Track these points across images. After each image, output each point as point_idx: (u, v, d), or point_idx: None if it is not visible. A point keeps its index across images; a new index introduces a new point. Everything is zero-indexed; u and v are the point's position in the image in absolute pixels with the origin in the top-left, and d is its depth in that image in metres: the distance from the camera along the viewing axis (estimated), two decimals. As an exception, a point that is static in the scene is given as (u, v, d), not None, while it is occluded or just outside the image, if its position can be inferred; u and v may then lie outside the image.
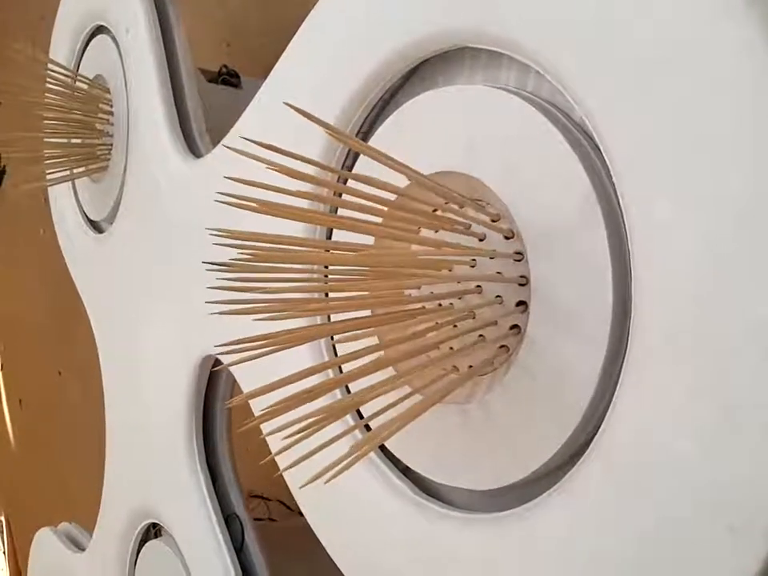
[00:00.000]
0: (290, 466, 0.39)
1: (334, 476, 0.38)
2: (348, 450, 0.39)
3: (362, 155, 0.53)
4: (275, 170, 0.36)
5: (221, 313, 0.38)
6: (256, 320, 0.38)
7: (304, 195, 0.39)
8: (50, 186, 1.01)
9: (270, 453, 0.62)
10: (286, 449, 0.38)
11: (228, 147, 0.40)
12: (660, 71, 0.35)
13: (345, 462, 0.39)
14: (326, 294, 0.52)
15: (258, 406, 0.64)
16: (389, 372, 0.43)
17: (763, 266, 0.32)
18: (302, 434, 0.38)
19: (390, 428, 0.40)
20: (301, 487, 0.38)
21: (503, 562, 0.43)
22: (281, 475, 0.62)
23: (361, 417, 0.53)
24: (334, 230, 0.54)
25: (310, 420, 0.38)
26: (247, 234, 0.38)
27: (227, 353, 0.39)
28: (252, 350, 0.39)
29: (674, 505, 0.34)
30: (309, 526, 0.59)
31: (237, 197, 0.38)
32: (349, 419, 0.53)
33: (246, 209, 0.38)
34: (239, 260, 0.38)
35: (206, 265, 0.67)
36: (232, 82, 1.11)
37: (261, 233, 0.38)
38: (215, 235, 0.37)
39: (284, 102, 0.39)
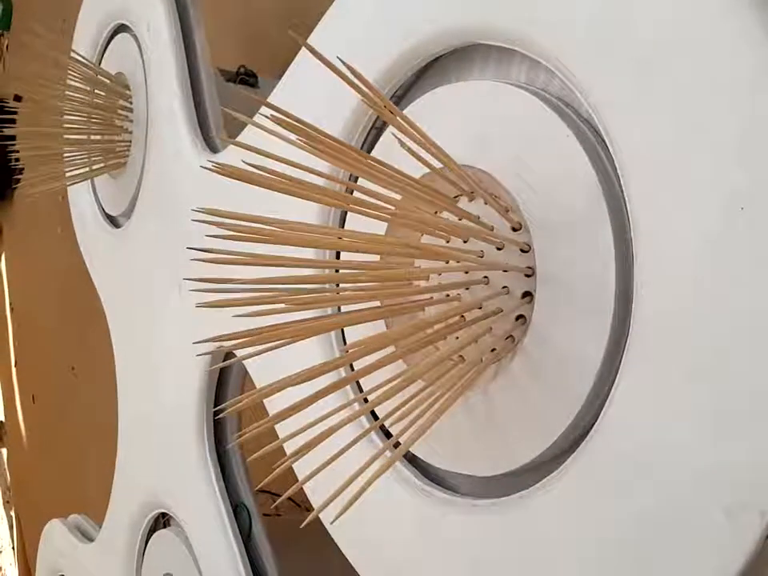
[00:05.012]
0: (307, 479, 0.39)
1: (358, 496, 0.39)
2: (369, 460, 0.40)
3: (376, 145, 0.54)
4: (302, 146, 0.37)
5: (204, 305, 0.38)
6: (236, 316, 0.37)
7: (321, 174, 0.39)
8: (70, 185, 1.02)
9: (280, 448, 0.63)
10: (297, 455, 0.38)
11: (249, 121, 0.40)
12: (661, 68, 0.36)
13: (369, 478, 0.39)
14: (337, 285, 0.53)
15: (269, 400, 0.65)
16: (398, 365, 0.44)
17: (760, 258, 0.33)
18: (315, 439, 0.38)
19: (414, 437, 0.40)
20: (332, 522, 0.37)
21: (506, 546, 0.44)
22: (290, 472, 0.63)
23: (375, 418, 0.54)
24: (347, 220, 0.55)
25: (324, 430, 0.38)
26: (231, 213, 0.37)
27: (240, 346, 0.39)
28: (260, 342, 0.39)
29: (672, 488, 0.35)
30: (318, 520, 0.60)
31: (230, 168, 0.37)
32: (363, 421, 0.53)
33: (240, 179, 0.37)
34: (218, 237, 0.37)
35: (199, 258, 0.67)
36: (249, 81, 1.12)
37: (247, 214, 0.37)
38: (198, 211, 0.36)
39: (337, 57, 0.38)
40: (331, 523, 0.37)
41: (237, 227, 0.37)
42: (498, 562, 0.45)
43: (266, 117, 0.37)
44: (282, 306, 0.38)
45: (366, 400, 0.50)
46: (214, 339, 0.38)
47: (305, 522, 0.38)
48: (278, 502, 0.43)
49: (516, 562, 0.44)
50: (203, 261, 0.37)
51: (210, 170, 0.38)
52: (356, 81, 0.38)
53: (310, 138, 0.38)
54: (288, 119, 0.37)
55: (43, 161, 0.98)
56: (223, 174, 0.37)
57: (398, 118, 0.40)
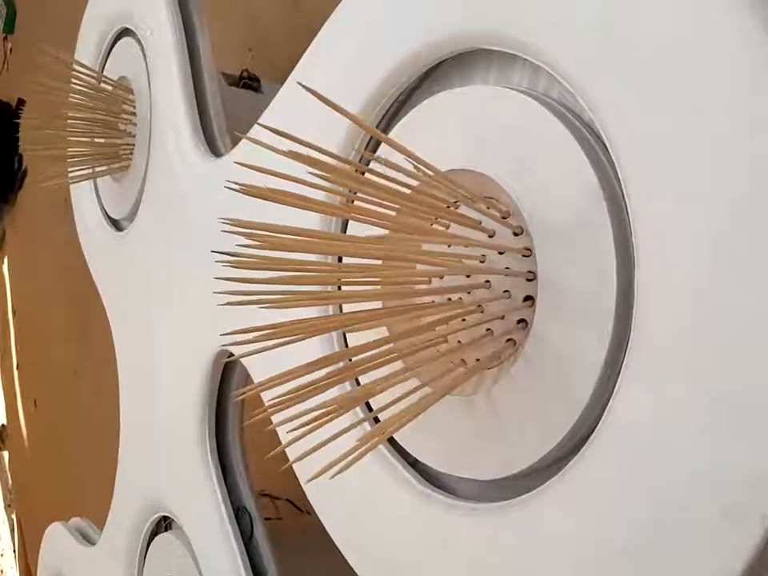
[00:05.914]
0: (299, 458, 0.40)
1: (343, 469, 0.39)
2: (356, 442, 0.40)
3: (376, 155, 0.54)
4: (298, 161, 0.38)
5: (229, 303, 0.39)
6: (262, 307, 0.39)
7: (322, 188, 0.40)
8: (72, 183, 1.03)
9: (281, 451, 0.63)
10: (294, 440, 0.39)
11: (248, 139, 0.41)
12: (661, 68, 0.36)
13: (354, 455, 0.40)
14: (339, 287, 0.53)
15: (269, 398, 0.65)
16: (398, 364, 0.44)
17: (760, 258, 0.33)
18: (311, 425, 0.39)
19: (398, 421, 0.41)
20: (308, 481, 0.38)
21: (506, 549, 0.44)
22: (291, 475, 0.63)
23: (370, 410, 0.54)
24: (349, 225, 0.55)
25: (320, 411, 0.39)
26: (257, 224, 0.39)
27: (237, 343, 0.39)
28: (261, 340, 0.40)
29: (671, 490, 0.35)
30: (318, 524, 0.60)
31: (248, 187, 0.39)
32: (358, 411, 0.54)
33: (257, 197, 0.39)
34: (246, 246, 0.39)
35: (223, 260, 0.68)
36: (253, 86, 1.13)
37: (271, 223, 0.39)
38: (225, 223, 0.38)
39: (310, 90, 0.39)
40: (307, 482, 0.37)
41: (253, 235, 0.39)
42: (498, 566, 0.45)
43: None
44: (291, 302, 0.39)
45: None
46: (228, 333, 0.39)
47: (309, 481, 0.38)
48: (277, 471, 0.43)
49: (516, 566, 0.44)
50: (228, 264, 0.39)
51: (232, 189, 0.39)
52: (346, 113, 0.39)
53: (313, 163, 0.38)
54: (290, 140, 0.38)
55: (47, 163, 0.98)
56: (245, 194, 0.38)
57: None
